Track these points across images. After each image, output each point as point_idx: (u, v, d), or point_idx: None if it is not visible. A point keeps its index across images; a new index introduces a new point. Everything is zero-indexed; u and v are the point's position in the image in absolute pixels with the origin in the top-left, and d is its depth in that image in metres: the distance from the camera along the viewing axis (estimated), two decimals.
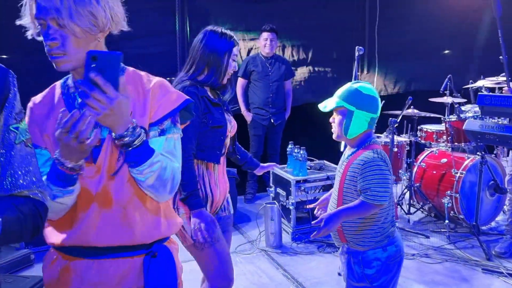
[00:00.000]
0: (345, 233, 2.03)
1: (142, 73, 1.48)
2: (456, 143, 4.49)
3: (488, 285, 3.37)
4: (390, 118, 4.22)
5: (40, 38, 1.32)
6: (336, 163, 4.62)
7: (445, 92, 4.55)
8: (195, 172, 2.15)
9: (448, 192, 4.22)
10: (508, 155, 4.20)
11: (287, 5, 5.58)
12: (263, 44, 4.96)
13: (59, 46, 1.27)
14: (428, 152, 4.70)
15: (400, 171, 4.63)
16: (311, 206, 2.34)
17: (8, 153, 1.03)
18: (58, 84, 1.47)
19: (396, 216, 4.37)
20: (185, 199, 2.12)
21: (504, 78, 3.90)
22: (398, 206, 4.62)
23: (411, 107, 4.56)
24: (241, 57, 5.24)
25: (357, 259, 2.04)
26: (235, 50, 2.26)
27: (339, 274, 3.50)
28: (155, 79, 1.44)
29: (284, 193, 4.25)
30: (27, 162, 1.06)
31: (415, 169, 4.59)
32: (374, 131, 2.11)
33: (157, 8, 5.01)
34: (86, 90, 1.14)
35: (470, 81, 4.75)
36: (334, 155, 5.31)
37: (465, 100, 4.78)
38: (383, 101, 2.08)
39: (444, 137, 4.56)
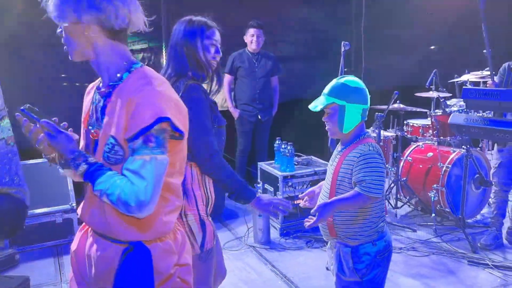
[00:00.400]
0: (335, 227, 2.04)
1: (147, 76, 1.46)
2: (442, 137, 4.53)
3: (474, 277, 3.41)
4: (377, 113, 4.24)
5: None
6: (323, 159, 4.66)
7: (430, 87, 4.58)
8: (230, 167, 2.03)
9: (435, 185, 4.25)
10: (492, 148, 4.25)
11: (274, 1, 5.57)
12: (249, 40, 4.94)
13: (64, 41, 1.48)
14: (414, 146, 4.74)
15: (387, 165, 4.65)
16: (299, 197, 2.31)
17: None
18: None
19: (386, 211, 4.40)
20: (238, 195, 2.02)
21: (488, 73, 3.94)
22: (386, 201, 4.65)
23: (397, 102, 4.58)
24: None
25: (346, 254, 2.04)
26: (211, 35, 2.10)
27: (327, 269, 3.51)
28: (143, 90, 1.40)
29: (271, 189, 4.25)
30: (8, 160, 1.09)
31: (401, 163, 4.62)
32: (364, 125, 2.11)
33: (142, 4, 4.96)
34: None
35: (455, 75, 4.79)
36: (321, 151, 5.34)
37: (451, 94, 4.82)
38: (369, 96, 2.09)
39: (430, 131, 4.60)
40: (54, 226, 3.94)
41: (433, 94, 4.56)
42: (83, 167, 1.40)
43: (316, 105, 2.04)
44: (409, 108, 4.61)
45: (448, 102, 4.61)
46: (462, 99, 4.38)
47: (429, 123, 4.59)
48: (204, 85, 2.13)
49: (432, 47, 6.79)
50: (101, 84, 1.54)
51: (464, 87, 3.63)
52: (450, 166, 4.23)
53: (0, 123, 1.10)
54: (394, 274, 3.40)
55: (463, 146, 4.20)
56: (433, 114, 4.50)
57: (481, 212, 4.57)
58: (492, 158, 4.05)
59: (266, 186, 4.36)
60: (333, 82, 2.05)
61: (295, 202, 4.09)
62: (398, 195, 4.65)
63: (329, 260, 2.19)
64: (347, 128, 2.00)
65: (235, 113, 5.07)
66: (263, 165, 4.48)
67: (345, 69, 3.77)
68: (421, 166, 4.51)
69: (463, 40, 6.41)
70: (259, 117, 5.06)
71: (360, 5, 5.95)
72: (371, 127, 4.50)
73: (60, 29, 1.45)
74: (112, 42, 1.47)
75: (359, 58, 5.96)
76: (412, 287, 3.28)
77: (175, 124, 1.40)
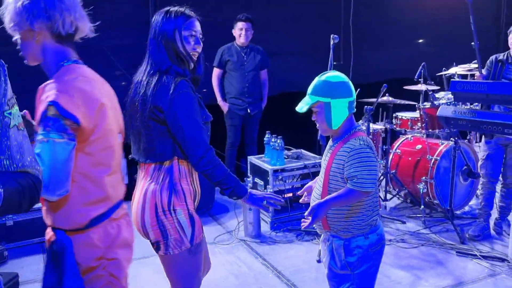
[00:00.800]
0: (328, 220, 2.04)
1: (67, 70, 1.62)
2: (430, 130, 4.57)
3: (463, 268, 3.45)
4: (366, 106, 4.25)
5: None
6: (313, 152, 4.67)
7: (419, 79, 4.61)
8: (223, 164, 2.02)
9: (423, 178, 4.29)
10: (480, 140, 4.29)
11: None
12: (238, 34, 4.92)
13: (20, 47, 1.65)
14: (403, 139, 4.77)
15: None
16: (298, 194, 2.32)
17: (4, 137, 1.15)
18: None
19: (380, 205, 4.43)
20: (232, 191, 2.01)
21: (476, 65, 3.97)
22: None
23: (386, 95, 4.60)
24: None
25: (339, 247, 2.05)
26: (190, 25, 2.01)
27: (318, 261, 3.54)
28: (52, 82, 1.55)
29: (262, 183, 4.25)
30: (21, 144, 1.20)
31: (390, 156, 4.65)
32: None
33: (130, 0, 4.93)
34: None
35: (443, 68, 4.82)
36: (311, 144, 5.35)
37: (439, 87, 4.86)
38: (358, 89, 2.09)
39: (419, 124, 4.63)
40: (43, 222, 3.89)
41: (421, 87, 4.59)
42: None
43: (302, 106, 2.03)
44: (398, 101, 4.64)
45: (437, 95, 4.64)
46: (450, 92, 4.42)
47: (418, 115, 4.62)
48: None
49: (420, 41, 6.83)
50: None
51: (452, 79, 3.65)
52: (438, 158, 4.26)
53: (11, 111, 1.17)
54: (384, 266, 3.42)
55: (451, 139, 4.24)
56: (422, 106, 4.53)
57: (469, 203, 4.62)
58: (480, 150, 4.09)
59: (256, 180, 4.36)
60: (315, 80, 2.04)
61: (286, 196, 4.12)
62: (387, 187, 4.69)
63: (322, 253, 2.20)
64: (336, 123, 2.00)
65: (224, 107, 5.06)
66: (253, 159, 4.48)
67: (334, 63, 3.77)
68: (410, 158, 4.54)
69: (451, 33, 6.45)
70: (249, 110, 5.05)
71: None
72: (360, 120, 4.52)
73: (16, 37, 1.61)
74: (59, 46, 1.63)
75: (348, 52, 5.97)
76: (402, 278, 3.31)
77: (64, 109, 1.48)
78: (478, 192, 4.18)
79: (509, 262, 3.45)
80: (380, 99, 4.42)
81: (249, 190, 2.07)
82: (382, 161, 4.67)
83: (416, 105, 4.67)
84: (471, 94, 3.24)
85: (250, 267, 3.52)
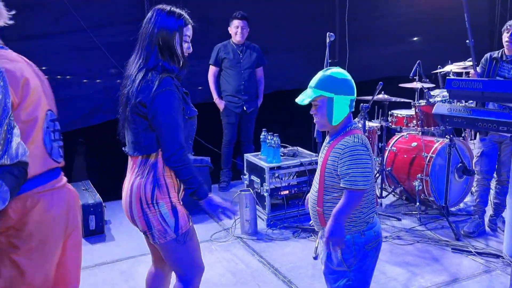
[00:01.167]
0: (326, 217, 2.05)
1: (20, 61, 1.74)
2: (425, 127, 4.59)
3: (458, 264, 3.47)
4: (362, 104, 4.26)
5: None
6: (309, 150, 4.68)
7: (414, 77, 4.63)
8: (192, 165, 2.09)
9: (419, 175, 4.31)
10: (475, 138, 4.32)
11: None
12: (234, 32, 4.91)
13: None
14: (398, 136, 4.79)
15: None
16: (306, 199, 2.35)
17: (10, 133, 1.39)
18: None
19: (377, 202, 4.45)
20: (194, 192, 2.08)
21: (471, 63, 3.99)
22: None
23: (382, 92, 4.62)
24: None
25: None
26: (186, 30, 2.11)
27: (315, 258, 3.54)
28: None
29: (258, 180, 4.26)
30: (18, 139, 1.43)
31: (386, 153, 4.67)
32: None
33: None
34: None
35: (438, 66, 4.85)
36: (307, 142, 5.36)
37: (434, 85, 4.88)
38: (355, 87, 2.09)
39: (414, 121, 4.65)
40: None
41: (417, 84, 4.61)
42: None
43: (303, 99, 2.03)
44: (394, 99, 4.65)
45: (432, 93, 4.66)
46: (445, 90, 4.44)
47: (413, 113, 4.64)
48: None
49: (415, 38, 6.85)
50: None
51: (447, 77, 3.67)
52: (434, 155, 4.29)
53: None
54: (379, 262, 3.40)
55: (446, 136, 4.26)
56: (417, 104, 4.55)
57: (464, 200, 4.65)
58: (475, 147, 4.12)
59: (253, 177, 4.37)
60: (319, 74, 2.04)
61: (282, 193, 4.12)
62: (383, 184, 4.70)
63: (319, 249, 2.21)
64: (336, 120, 2.01)
65: (221, 105, 5.06)
66: (249, 156, 4.48)
67: (329, 60, 3.78)
68: (405, 156, 4.56)
69: (446, 31, 6.48)
70: (245, 108, 5.06)
71: None
72: (356, 118, 4.53)
73: None
74: None
75: (343, 49, 5.99)
76: (397, 274, 3.33)
77: None
78: (473, 189, 4.21)
79: (503, 259, 3.48)
80: (375, 97, 4.43)
81: (210, 195, 2.14)
82: (377, 159, 4.69)
83: (412, 103, 4.69)
84: (467, 92, 3.26)
85: (247, 264, 3.53)
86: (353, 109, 2.07)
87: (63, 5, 4.47)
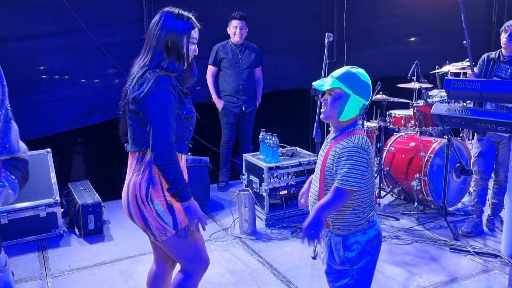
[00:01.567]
0: (326, 217, 2.06)
1: None
2: (423, 127, 4.60)
3: (456, 264, 3.49)
4: None
5: None
6: (308, 150, 4.69)
7: (412, 78, 4.64)
8: (179, 166, 2.09)
9: (417, 175, 4.32)
10: (473, 138, 4.34)
11: None
12: (233, 32, 4.92)
13: None
14: (397, 136, 4.80)
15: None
16: (300, 197, 2.33)
17: (9, 129, 1.38)
18: None
19: (376, 201, 4.46)
20: (177, 193, 2.07)
21: (469, 64, 4.00)
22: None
23: (380, 92, 4.63)
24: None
25: (337, 243, 2.06)
26: (194, 33, 2.16)
27: (314, 258, 3.56)
28: None
29: (257, 180, 4.27)
30: (16, 134, 1.42)
31: (384, 153, 4.68)
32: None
33: None
34: None
35: (436, 66, 4.86)
36: (306, 142, 5.38)
37: (432, 85, 4.89)
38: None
39: (412, 121, 4.67)
40: (38, 220, 3.90)
41: (415, 85, 4.63)
42: None
43: (322, 84, 2.01)
44: (392, 99, 4.67)
45: (430, 93, 4.67)
46: (443, 90, 4.45)
47: (411, 113, 4.66)
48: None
49: (413, 39, 6.87)
50: None
51: (446, 77, 3.68)
52: (432, 155, 4.30)
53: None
54: (378, 262, 3.37)
55: (444, 136, 4.27)
56: (415, 104, 4.57)
57: (462, 200, 4.67)
58: (472, 147, 4.14)
59: (251, 177, 4.38)
60: (344, 68, 2.03)
61: (280, 193, 4.13)
62: (382, 184, 4.72)
63: (320, 249, 2.21)
64: (344, 116, 2.00)
65: (219, 104, 5.06)
66: (248, 156, 4.49)
67: (328, 61, 3.79)
68: (403, 156, 4.58)
69: (443, 31, 6.50)
70: (243, 108, 5.06)
71: None
72: None
73: None
74: None
75: (341, 50, 6.00)
76: (396, 274, 3.34)
77: None
78: (471, 189, 4.22)
79: (501, 258, 3.50)
80: (374, 97, 4.45)
81: (191, 201, 2.12)
82: (375, 159, 4.71)
83: (410, 103, 4.70)
84: (465, 92, 3.27)
85: (246, 264, 3.54)
86: (362, 114, 2.08)
87: (62, 4, 4.47)
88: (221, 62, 5.00)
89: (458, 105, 3.92)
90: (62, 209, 4.22)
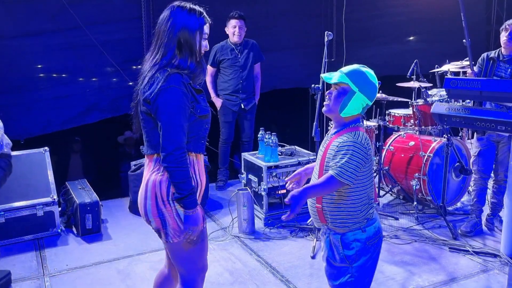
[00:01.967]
0: (324, 214, 2.05)
1: None
2: (423, 127, 4.59)
3: (455, 263, 3.48)
4: None
5: None
6: (307, 149, 4.67)
7: (412, 77, 4.63)
8: (188, 170, 2.00)
9: (416, 174, 4.31)
10: (472, 137, 4.33)
11: None
12: (231, 32, 4.88)
13: None
14: (396, 135, 4.79)
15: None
16: (286, 181, 2.31)
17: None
18: None
19: (375, 199, 4.45)
20: (181, 198, 1.98)
21: (468, 63, 4.00)
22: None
23: (380, 91, 4.61)
24: None
25: (337, 241, 2.05)
26: (205, 28, 2.07)
27: (313, 257, 3.55)
28: None
29: (256, 179, 4.25)
30: (2, 132, 1.38)
31: (384, 152, 4.67)
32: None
33: None
34: None
35: (436, 65, 4.85)
36: (305, 141, 5.36)
37: (431, 84, 4.88)
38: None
39: (412, 121, 4.65)
40: (36, 219, 3.88)
41: (414, 84, 4.61)
42: None
43: (330, 77, 2.01)
44: (391, 98, 4.65)
45: (429, 92, 4.66)
46: (442, 89, 4.44)
47: (411, 112, 4.65)
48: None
49: (412, 38, 6.86)
50: None
51: (446, 76, 3.67)
52: (431, 155, 4.29)
53: None
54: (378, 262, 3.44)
55: (444, 135, 4.26)
56: (415, 103, 4.56)
57: (461, 200, 4.66)
58: (472, 146, 4.13)
59: (250, 176, 4.36)
60: (354, 66, 2.04)
61: (279, 192, 4.12)
62: (381, 184, 4.71)
63: (319, 247, 2.20)
64: (346, 113, 2.00)
65: (218, 103, 5.04)
66: (246, 155, 4.47)
67: (327, 60, 3.77)
68: (403, 155, 4.56)
69: (443, 30, 6.49)
70: (243, 105, 5.04)
71: None
72: None
73: None
74: None
75: (340, 49, 5.99)
76: (395, 274, 3.33)
77: None
78: (470, 188, 4.21)
79: (501, 258, 3.49)
80: None
81: (195, 211, 2.03)
82: (375, 158, 4.69)
83: (409, 102, 4.69)
84: (465, 91, 3.27)
85: (244, 264, 3.52)
86: (363, 114, 2.07)
87: (59, 2, 4.44)
88: (220, 63, 4.98)
89: (458, 104, 3.91)
90: (60, 208, 4.20)
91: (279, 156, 4.29)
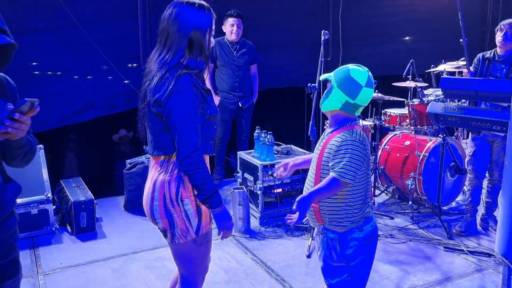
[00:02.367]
0: (321, 213, 2.05)
1: None
2: (419, 126, 4.59)
3: (450, 263, 3.49)
4: None
5: None
6: (303, 148, 4.67)
7: (408, 76, 4.64)
8: (208, 169, 1.96)
9: (412, 174, 4.32)
10: (467, 137, 4.34)
11: None
12: (229, 30, 4.88)
13: None
14: (392, 135, 4.80)
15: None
16: (274, 169, 2.34)
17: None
18: None
19: (371, 197, 4.46)
20: (206, 199, 1.95)
21: (464, 63, 4.00)
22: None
23: (376, 91, 4.62)
24: None
25: (334, 240, 2.06)
26: (213, 23, 2.01)
27: (308, 256, 3.55)
28: None
29: (251, 178, 4.25)
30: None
31: (379, 152, 4.67)
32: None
33: None
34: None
35: (432, 65, 4.86)
36: (301, 140, 5.36)
37: (427, 84, 4.89)
38: (364, 96, 2.07)
39: (407, 120, 4.65)
40: (30, 217, 3.86)
41: (410, 83, 4.62)
42: None
43: (323, 76, 2.12)
44: (387, 98, 4.66)
45: (425, 92, 4.67)
46: (438, 89, 4.46)
47: (407, 112, 4.65)
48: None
49: (408, 38, 6.87)
50: None
51: (442, 76, 3.68)
52: (427, 154, 4.30)
53: None
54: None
55: (439, 135, 4.27)
56: (411, 103, 4.56)
57: (456, 199, 4.67)
58: (467, 146, 4.14)
59: (246, 175, 4.36)
60: (348, 65, 2.09)
61: (275, 191, 4.11)
62: (376, 183, 4.71)
63: (315, 246, 2.21)
64: (324, 106, 2.08)
65: (216, 100, 5.03)
66: (242, 154, 4.47)
67: (323, 59, 3.77)
68: (398, 154, 4.57)
69: (439, 30, 6.51)
70: (240, 104, 5.03)
71: None
72: None
73: None
74: None
75: (336, 48, 5.99)
76: (390, 273, 3.34)
77: None
78: (465, 188, 4.22)
79: (495, 257, 3.50)
80: None
81: (222, 208, 2.00)
82: (371, 157, 4.70)
83: (405, 102, 4.70)
84: (461, 91, 3.28)
85: (239, 262, 3.52)
86: (353, 114, 2.05)
87: (55, 0, 4.42)
88: (217, 60, 4.97)
89: (454, 104, 3.92)
90: (54, 206, 4.18)
91: (275, 155, 4.29)
